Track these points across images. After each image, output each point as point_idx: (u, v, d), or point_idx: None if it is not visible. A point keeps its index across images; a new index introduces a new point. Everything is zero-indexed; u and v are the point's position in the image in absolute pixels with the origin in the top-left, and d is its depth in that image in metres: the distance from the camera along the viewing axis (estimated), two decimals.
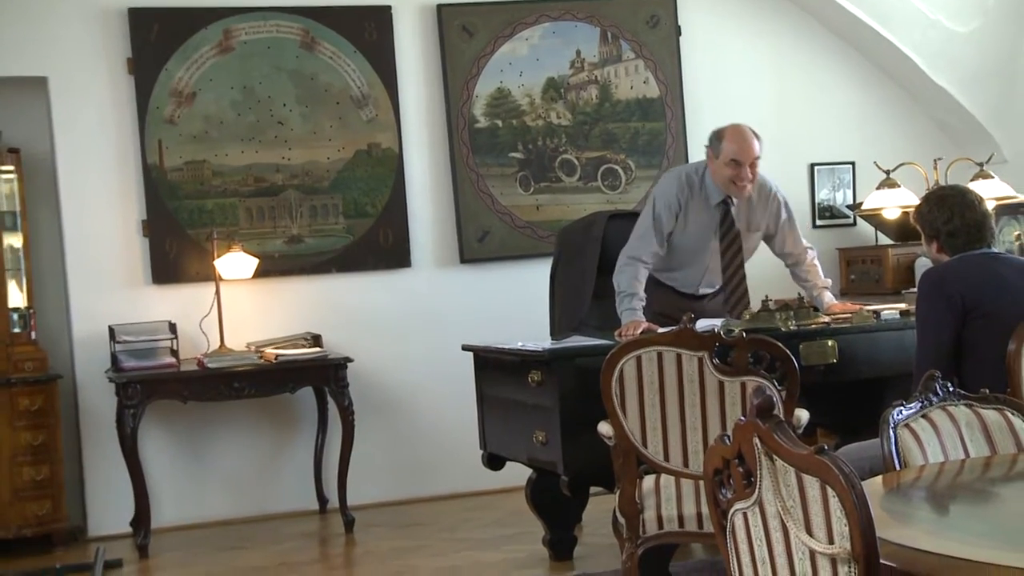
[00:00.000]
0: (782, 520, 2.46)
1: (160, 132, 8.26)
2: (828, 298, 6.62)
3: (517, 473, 6.80)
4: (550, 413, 6.09)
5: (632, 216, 7.24)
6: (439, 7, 8.69)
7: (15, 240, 8.07)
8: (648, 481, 5.15)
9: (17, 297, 8.07)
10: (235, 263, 8.13)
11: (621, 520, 5.16)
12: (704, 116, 8.94)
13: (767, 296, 6.69)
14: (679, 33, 9.01)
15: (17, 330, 8.03)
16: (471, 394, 7.01)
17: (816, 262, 6.84)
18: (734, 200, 6.55)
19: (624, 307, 6.46)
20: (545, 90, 8.88)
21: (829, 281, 6.84)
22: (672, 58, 9.00)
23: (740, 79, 9.11)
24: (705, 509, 4.95)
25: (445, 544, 7.34)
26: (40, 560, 7.60)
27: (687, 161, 8.83)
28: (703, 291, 6.73)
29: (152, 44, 8.25)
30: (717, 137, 6.48)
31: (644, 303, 6.46)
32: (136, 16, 8.21)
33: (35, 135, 8.27)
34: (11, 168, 8.04)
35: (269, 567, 7.15)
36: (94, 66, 8.24)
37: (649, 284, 6.54)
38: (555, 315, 7.49)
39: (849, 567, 2.33)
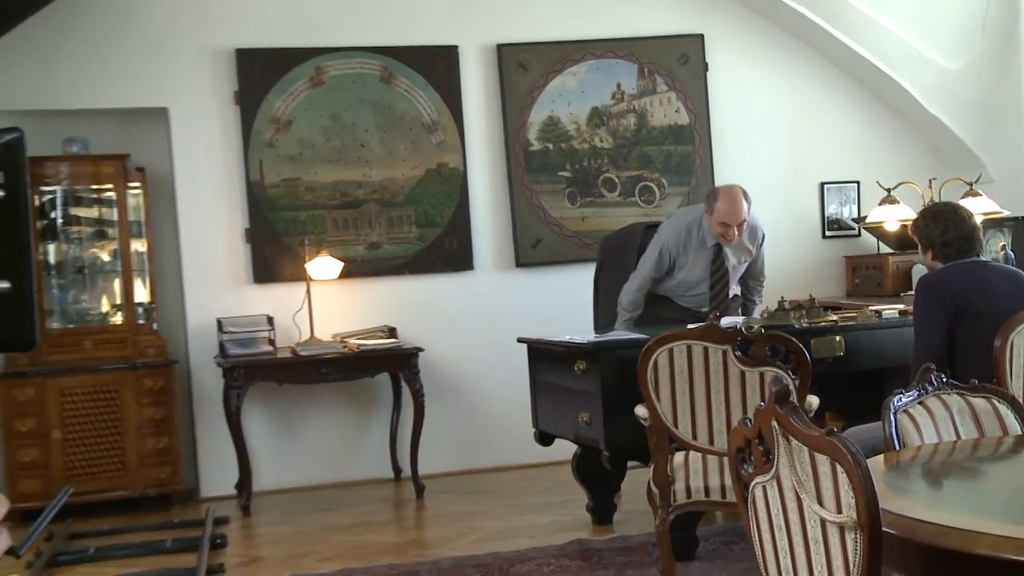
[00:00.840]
0: (796, 493, 2.45)
1: (261, 154, 8.32)
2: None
3: (564, 448, 6.81)
4: (593, 397, 6.11)
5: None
6: (499, 47, 8.69)
7: (140, 245, 8.19)
8: (678, 457, 5.17)
9: (142, 293, 8.22)
10: (323, 266, 8.17)
11: (654, 490, 5.16)
12: (728, 140, 9.01)
13: (783, 297, 6.73)
14: (706, 69, 8.98)
15: (141, 321, 8.18)
16: (525, 380, 7.02)
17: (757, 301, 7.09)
18: (729, 247, 6.79)
19: (621, 319, 6.83)
20: (590, 118, 8.86)
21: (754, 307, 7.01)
22: (700, 90, 8.98)
23: (759, 109, 9.06)
24: (727, 482, 4.99)
25: (502, 508, 7.34)
26: (160, 516, 7.67)
27: (712, 179, 8.87)
28: (705, 309, 6.75)
29: (255, 79, 8.31)
30: (713, 197, 6.72)
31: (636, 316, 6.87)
32: (242, 56, 8.27)
33: (158, 157, 8.31)
34: (138, 185, 8.17)
35: (352, 526, 7.17)
36: (206, 98, 8.30)
37: (667, 303, 6.91)
38: (598, 312, 7.48)
39: (855, 534, 2.31)
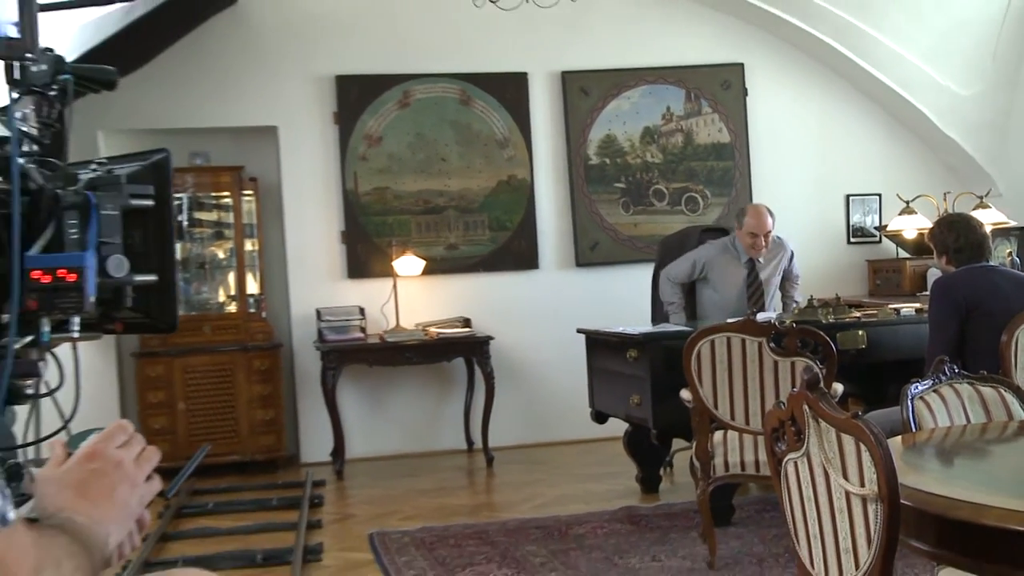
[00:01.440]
0: (824, 468, 2.45)
1: (355, 166, 8.38)
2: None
3: (616, 426, 6.80)
4: (643, 381, 6.10)
5: (715, 230, 7.36)
6: (563, 73, 8.69)
7: (252, 245, 8.28)
8: (717, 435, 5.17)
9: (253, 286, 8.31)
10: (408, 264, 8.22)
11: (696, 464, 5.17)
12: (764, 157, 8.96)
13: (812, 296, 6.72)
14: (746, 94, 8.93)
15: (252, 310, 8.28)
16: (582, 366, 7.00)
17: (796, 298, 7.00)
18: (758, 259, 6.79)
19: (673, 311, 6.82)
20: (642, 136, 8.85)
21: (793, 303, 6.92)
22: (740, 113, 8.94)
23: (792, 129, 9.00)
24: (761, 457, 4.98)
25: (561, 478, 7.34)
26: (266, 478, 7.75)
27: (751, 191, 8.87)
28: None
29: (351, 101, 8.36)
30: (742, 213, 6.82)
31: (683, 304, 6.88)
32: (341, 81, 8.33)
33: (268, 168, 8.39)
34: (251, 192, 8.27)
35: (431, 490, 7.20)
36: (310, 118, 8.36)
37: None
38: (656, 304, 7.40)
39: (876, 505, 2.30)
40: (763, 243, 6.67)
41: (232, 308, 8.30)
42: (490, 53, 8.47)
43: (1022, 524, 2.20)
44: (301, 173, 8.35)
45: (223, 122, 8.24)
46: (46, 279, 1.83)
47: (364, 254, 8.39)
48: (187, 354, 7.90)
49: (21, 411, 2.05)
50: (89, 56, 6.24)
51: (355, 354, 7.95)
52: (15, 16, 1.77)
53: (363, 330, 8.10)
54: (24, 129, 1.84)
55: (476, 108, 8.59)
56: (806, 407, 2.49)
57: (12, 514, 1.30)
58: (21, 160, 1.80)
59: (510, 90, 8.64)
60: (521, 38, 8.22)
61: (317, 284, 8.34)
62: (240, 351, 8.05)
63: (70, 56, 6.11)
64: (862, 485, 2.34)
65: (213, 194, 8.24)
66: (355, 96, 8.38)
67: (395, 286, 8.22)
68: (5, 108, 1.81)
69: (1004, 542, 2.25)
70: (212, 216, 8.32)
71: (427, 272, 8.34)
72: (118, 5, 5.87)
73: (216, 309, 8.34)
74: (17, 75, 1.82)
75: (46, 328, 1.89)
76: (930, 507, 2.36)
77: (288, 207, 8.36)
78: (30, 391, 1.94)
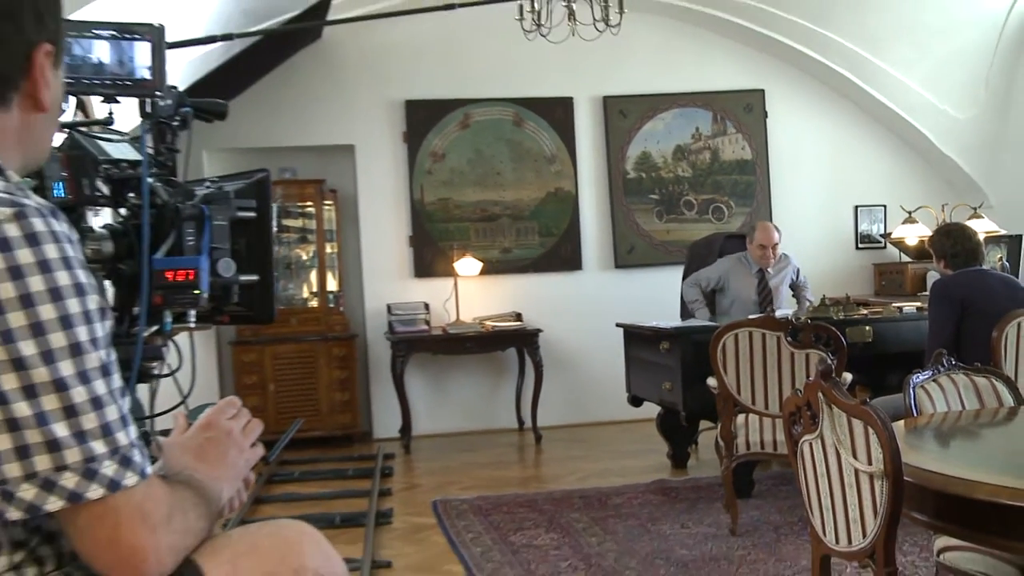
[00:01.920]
0: (836, 448, 2.45)
1: (422, 179, 8.42)
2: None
3: (650, 409, 6.81)
4: (674, 370, 6.11)
5: (737, 237, 7.35)
6: (604, 98, 8.69)
7: (332, 248, 8.34)
8: (740, 418, 5.16)
9: (332, 284, 8.37)
10: (467, 265, 8.25)
11: (721, 443, 5.18)
12: (782, 172, 8.92)
13: (824, 295, 6.71)
14: (766, 116, 8.90)
15: (332, 305, 8.33)
16: (620, 355, 7.02)
17: (808, 298, 6.89)
18: (768, 270, 6.78)
19: (697, 308, 6.83)
20: (674, 153, 8.83)
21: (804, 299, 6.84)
22: (761, 133, 8.91)
23: (806, 147, 8.96)
24: (779, 437, 5.01)
25: (601, 454, 7.35)
26: (344, 451, 7.83)
27: (770, 202, 8.85)
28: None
29: (418, 123, 8.41)
30: (752, 228, 6.91)
31: (705, 302, 6.88)
32: (409, 105, 8.38)
33: (346, 181, 8.45)
34: (331, 202, 8.34)
35: (487, 464, 7.23)
36: (382, 137, 8.40)
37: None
38: (684, 303, 7.42)
39: (882, 481, 2.31)
40: (771, 254, 6.71)
41: (314, 303, 8.35)
42: (540, 80, 8.48)
43: (1010, 499, 2.20)
44: (374, 185, 8.41)
45: (308, 141, 8.31)
46: (169, 278, 1.91)
47: (429, 256, 8.43)
48: (276, 343, 7.98)
49: (144, 388, 2.13)
50: (196, 86, 6.33)
51: (420, 344, 7.98)
52: (148, 61, 1.84)
53: (427, 323, 8.12)
54: (152, 154, 1.92)
55: (527, 129, 8.61)
56: (820, 394, 2.49)
57: (149, 469, 1.36)
58: (150, 179, 1.88)
59: (557, 113, 8.66)
60: (567, 67, 8.23)
61: (388, 282, 8.38)
62: (321, 340, 8.11)
63: (180, 86, 6.20)
64: (869, 464, 2.33)
65: (299, 204, 8.31)
66: (422, 118, 8.43)
67: (456, 284, 8.27)
68: (136, 137, 1.88)
69: (994, 514, 2.25)
70: (298, 223, 8.38)
71: (484, 272, 8.38)
72: (221, 43, 5.96)
73: (301, 304, 8.40)
74: (148, 109, 1.89)
75: (168, 319, 1.98)
76: (929, 483, 2.35)
77: (363, 215, 8.42)
78: (155, 372, 2.02)
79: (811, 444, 2.54)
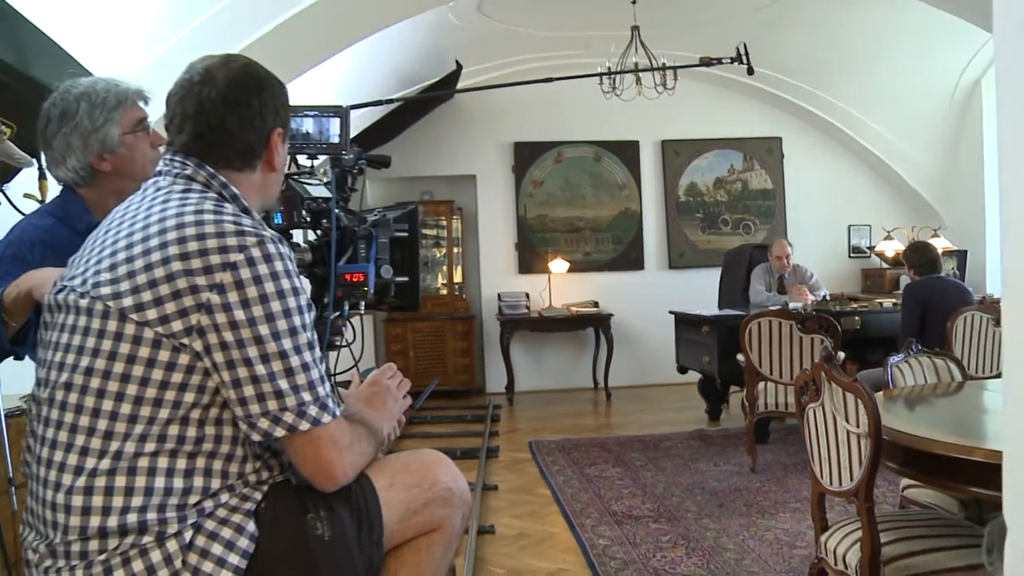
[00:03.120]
0: (833, 414, 2.43)
1: (525, 201, 8.48)
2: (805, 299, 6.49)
3: (693, 376, 6.79)
4: (712, 347, 6.11)
5: (761, 247, 7.21)
6: (662, 142, 8.64)
7: (458, 250, 8.37)
8: (761, 385, 5.15)
9: (457, 277, 8.42)
10: (558, 264, 8.29)
11: (746, 403, 5.19)
12: (795, 199, 8.78)
13: (826, 293, 6.60)
14: (783, 157, 8.76)
15: (457, 293, 8.39)
16: (671, 335, 6.96)
17: (822, 291, 6.70)
18: (785, 275, 6.65)
19: (769, 301, 6.47)
20: (714, 183, 8.75)
21: (818, 293, 6.60)
22: (779, 169, 8.76)
23: (813, 181, 8.77)
24: (789, 400, 4.98)
25: (655, 408, 7.34)
26: (464, 401, 7.89)
27: (785, 221, 8.70)
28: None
29: (523, 159, 8.45)
30: (769, 247, 6.78)
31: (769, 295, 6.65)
32: (517, 146, 8.44)
33: (469, 201, 8.53)
34: (457, 217, 8.41)
35: (569, 414, 7.22)
36: (496, 169, 8.47)
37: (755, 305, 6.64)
38: (721, 297, 7.38)
39: (866, 440, 2.29)
40: (786, 263, 6.61)
41: (444, 292, 8.44)
42: (614, 128, 8.46)
43: (960, 453, 2.19)
44: (490, 205, 8.48)
45: (442, 172, 8.41)
46: (347, 279, 2.01)
47: (529, 257, 8.47)
48: (415, 321, 8.08)
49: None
50: (361, 135, 6.50)
51: (522, 323, 8.04)
52: (338, 131, 1.94)
53: (528, 308, 8.18)
54: (339, 193, 2.02)
55: (604, 163, 8.61)
56: (823, 373, 2.48)
57: (338, 411, 1.49)
58: (336, 211, 1.98)
59: (627, 152, 8.64)
60: (635, 118, 8.20)
61: (498, 277, 8.45)
62: (448, 319, 8.20)
63: (356, 131, 6.38)
64: (857, 427, 2.33)
65: (435, 218, 8.39)
66: (526, 155, 8.48)
67: (549, 279, 8.31)
68: (329, 182, 1.98)
69: (947, 464, 2.24)
70: (433, 232, 8.47)
71: (570, 270, 8.40)
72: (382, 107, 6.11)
73: (434, 292, 8.47)
74: (335, 163, 1.99)
75: (346, 307, 2.07)
76: (899, 440, 2.35)
77: (481, 227, 8.49)
78: (338, 343, 2.13)
79: (815, 410, 2.54)
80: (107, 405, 1.39)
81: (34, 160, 1.77)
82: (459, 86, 7.08)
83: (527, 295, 8.25)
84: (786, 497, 4.48)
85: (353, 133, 6.50)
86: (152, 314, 1.38)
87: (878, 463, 2.30)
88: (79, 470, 1.39)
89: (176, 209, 1.45)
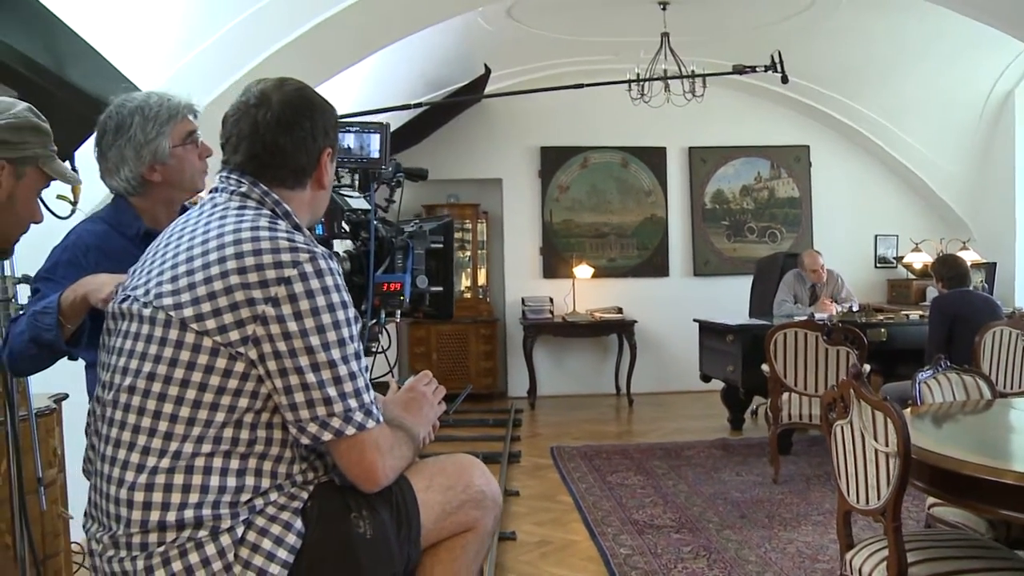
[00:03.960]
0: (862, 432, 2.41)
1: (551, 206, 8.49)
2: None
3: (716, 384, 6.77)
4: (736, 356, 6.11)
5: (791, 255, 7.20)
6: (689, 148, 8.62)
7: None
8: (785, 395, 5.13)
9: (482, 280, 8.45)
10: (582, 270, 8.30)
11: (770, 414, 5.18)
12: (822, 208, 8.75)
13: (856, 303, 6.58)
14: (810, 165, 8.71)
15: (481, 296, 8.43)
16: (695, 343, 6.97)
17: (854, 300, 6.65)
18: (818, 285, 6.62)
19: (792, 312, 6.45)
20: (741, 191, 8.72)
21: (848, 304, 6.54)
22: (806, 178, 8.72)
23: (840, 189, 8.72)
24: (814, 412, 4.96)
25: (678, 416, 7.32)
26: (486, 404, 7.84)
27: (812, 230, 8.67)
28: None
29: (550, 163, 8.46)
30: (801, 258, 6.71)
31: (793, 304, 6.61)
32: (543, 150, 8.45)
33: (495, 205, 8.55)
34: (483, 220, 8.44)
35: (591, 420, 7.26)
36: (522, 174, 8.48)
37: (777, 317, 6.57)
38: (752, 305, 7.35)
39: (895, 459, 2.28)
40: (820, 273, 6.58)
41: (468, 295, 8.43)
42: (642, 134, 8.45)
43: (989, 475, 2.19)
44: (515, 209, 8.49)
45: (469, 175, 8.42)
46: (384, 288, 2.07)
47: (554, 262, 8.47)
48: (439, 323, 7.97)
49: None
50: (394, 134, 6.54)
51: (545, 328, 8.04)
52: (378, 146, 2.00)
53: (551, 312, 8.18)
54: (377, 205, 2.07)
55: (631, 169, 8.60)
56: (851, 391, 2.47)
57: (382, 419, 1.59)
58: (375, 222, 2.03)
59: (654, 158, 8.63)
60: (662, 124, 8.15)
61: (523, 281, 8.45)
62: (472, 323, 8.21)
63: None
64: (886, 446, 2.33)
65: (460, 220, 8.38)
66: (552, 160, 8.49)
67: (573, 284, 8.31)
68: (367, 196, 2.03)
69: (975, 486, 2.24)
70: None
71: (595, 276, 8.39)
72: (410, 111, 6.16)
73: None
74: (375, 176, 2.04)
75: (383, 315, 2.13)
76: (927, 460, 2.33)
77: (507, 230, 8.50)
78: (375, 349, 2.19)
79: (842, 427, 2.53)
80: (167, 408, 1.49)
81: (81, 179, 1.85)
82: (487, 90, 7.11)
83: (551, 300, 8.25)
84: (808, 510, 4.47)
85: None
86: (211, 324, 1.48)
87: (906, 483, 2.29)
88: (141, 468, 1.49)
89: (233, 225, 1.55)
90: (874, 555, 2.44)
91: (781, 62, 4.67)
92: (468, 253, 8.45)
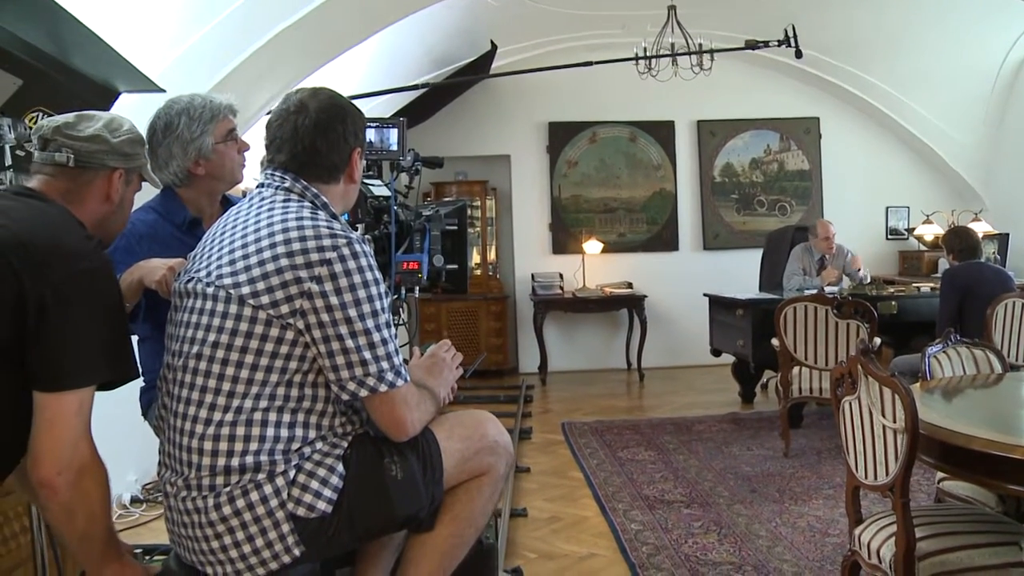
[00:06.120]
0: (870, 408, 2.42)
1: (559, 181, 8.51)
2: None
3: (727, 359, 6.82)
4: (746, 331, 6.13)
5: (801, 228, 7.18)
6: (698, 122, 8.63)
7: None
8: (795, 369, 5.17)
9: (491, 257, 8.49)
10: (592, 245, 8.31)
11: (780, 388, 5.22)
12: (832, 180, 8.74)
13: (867, 274, 6.59)
14: (820, 137, 8.70)
15: (491, 273, 8.46)
16: (706, 317, 7.02)
17: (864, 272, 6.63)
18: (827, 256, 6.58)
19: (803, 286, 6.43)
20: (751, 164, 8.72)
21: (859, 275, 6.53)
22: (816, 150, 8.72)
23: (850, 161, 8.72)
24: (824, 386, 5.01)
25: (688, 391, 7.34)
26: (497, 381, 7.91)
27: (822, 203, 8.68)
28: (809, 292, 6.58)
29: (558, 139, 8.48)
30: (814, 228, 6.64)
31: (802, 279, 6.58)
32: (552, 126, 8.47)
33: (503, 181, 8.57)
34: (492, 197, 8.46)
35: (602, 395, 7.25)
36: (530, 149, 8.50)
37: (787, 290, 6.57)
38: (763, 279, 7.34)
39: (902, 435, 2.29)
40: (830, 244, 6.54)
41: (478, 272, 8.44)
42: (650, 108, 8.46)
43: (999, 451, 2.21)
44: (524, 185, 8.51)
45: (476, 152, 8.44)
46: (404, 267, 2.21)
47: (563, 238, 8.50)
48: (449, 300, 8.10)
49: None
50: (402, 111, 6.55)
51: (555, 304, 8.06)
52: (396, 139, 2.11)
53: (561, 288, 8.21)
54: (397, 191, 2.17)
55: (639, 144, 8.61)
56: (860, 367, 2.48)
57: (409, 378, 1.83)
58: (395, 207, 2.12)
59: (663, 132, 8.63)
60: (670, 98, 8.16)
61: (532, 257, 8.48)
62: (482, 299, 8.25)
63: (392, 111, 6.44)
64: (894, 422, 2.33)
65: (468, 198, 8.32)
66: (560, 135, 8.51)
67: (583, 260, 8.34)
68: (388, 183, 2.12)
69: (986, 461, 2.26)
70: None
71: (604, 251, 8.42)
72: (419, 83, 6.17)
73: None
74: (394, 165, 2.13)
75: (403, 291, 2.27)
76: (936, 435, 2.34)
77: (515, 207, 8.53)
78: (396, 322, 2.32)
79: (851, 403, 2.53)
80: (229, 371, 1.75)
81: (160, 183, 2.17)
82: (494, 66, 7.11)
83: (561, 275, 8.28)
84: (819, 483, 4.52)
85: (388, 113, 6.57)
86: (265, 299, 1.73)
87: (914, 459, 2.31)
88: (208, 421, 1.75)
89: (280, 216, 1.81)
90: (882, 531, 2.47)
91: (795, 36, 4.66)
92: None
